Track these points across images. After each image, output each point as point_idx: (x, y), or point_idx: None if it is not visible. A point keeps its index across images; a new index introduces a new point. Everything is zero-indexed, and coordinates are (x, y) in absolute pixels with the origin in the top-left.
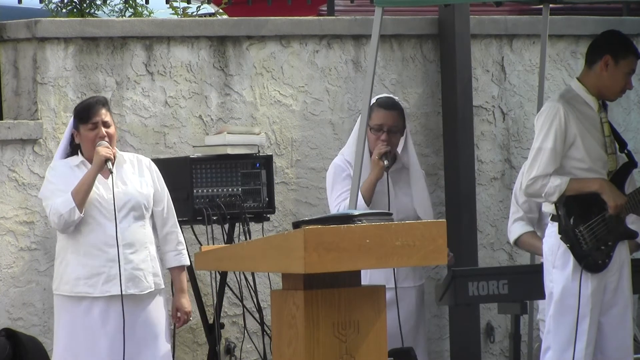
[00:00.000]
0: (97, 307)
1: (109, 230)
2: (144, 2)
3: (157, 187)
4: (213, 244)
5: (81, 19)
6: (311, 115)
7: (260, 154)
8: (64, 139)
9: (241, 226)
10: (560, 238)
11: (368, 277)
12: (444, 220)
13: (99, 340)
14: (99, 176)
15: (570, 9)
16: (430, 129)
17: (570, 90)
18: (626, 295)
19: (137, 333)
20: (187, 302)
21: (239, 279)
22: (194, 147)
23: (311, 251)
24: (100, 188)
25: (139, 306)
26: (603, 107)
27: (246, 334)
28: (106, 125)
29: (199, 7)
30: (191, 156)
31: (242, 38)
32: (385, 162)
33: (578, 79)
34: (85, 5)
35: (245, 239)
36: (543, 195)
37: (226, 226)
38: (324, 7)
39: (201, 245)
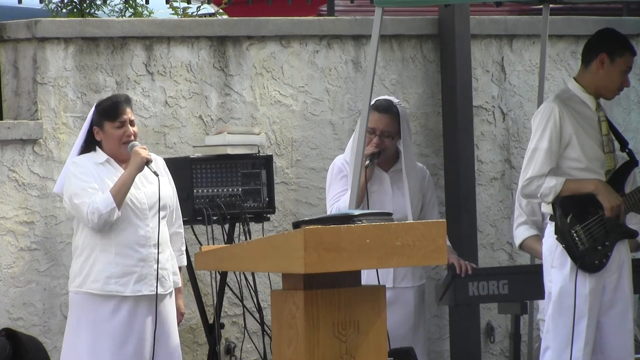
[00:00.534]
0: (125, 306)
1: (141, 230)
2: (144, 2)
3: (174, 187)
4: (213, 244)
5: (81, 19)
6: (311, 116)
7: (261, 154)
8: (82, 135)
9: (241, 226)
10: (557, 238)
11: (364, 277)
12: (444, 220)
13: (126, 339)
14: None
15: (570, 9)
16: (430, 129)
17: (566, 91)
18: (626, 295)
19: (157, 330)
20: (183, 302)
21: (239, 279)
22: (194, 147)
23: (311, 251)
24: (132, 187)
25: (160, 304)
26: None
27: (246, 334)
28: (132, 124)
29: (199, 7)
30: (191, 156)
31: (242, 38)
32: (366, 162)
33: (575, 78)
34: (85, 5)
35: (246, 239)
36: (539, 195)
37: (226, 226)
38: (324, 7)
39: (201, 245)
